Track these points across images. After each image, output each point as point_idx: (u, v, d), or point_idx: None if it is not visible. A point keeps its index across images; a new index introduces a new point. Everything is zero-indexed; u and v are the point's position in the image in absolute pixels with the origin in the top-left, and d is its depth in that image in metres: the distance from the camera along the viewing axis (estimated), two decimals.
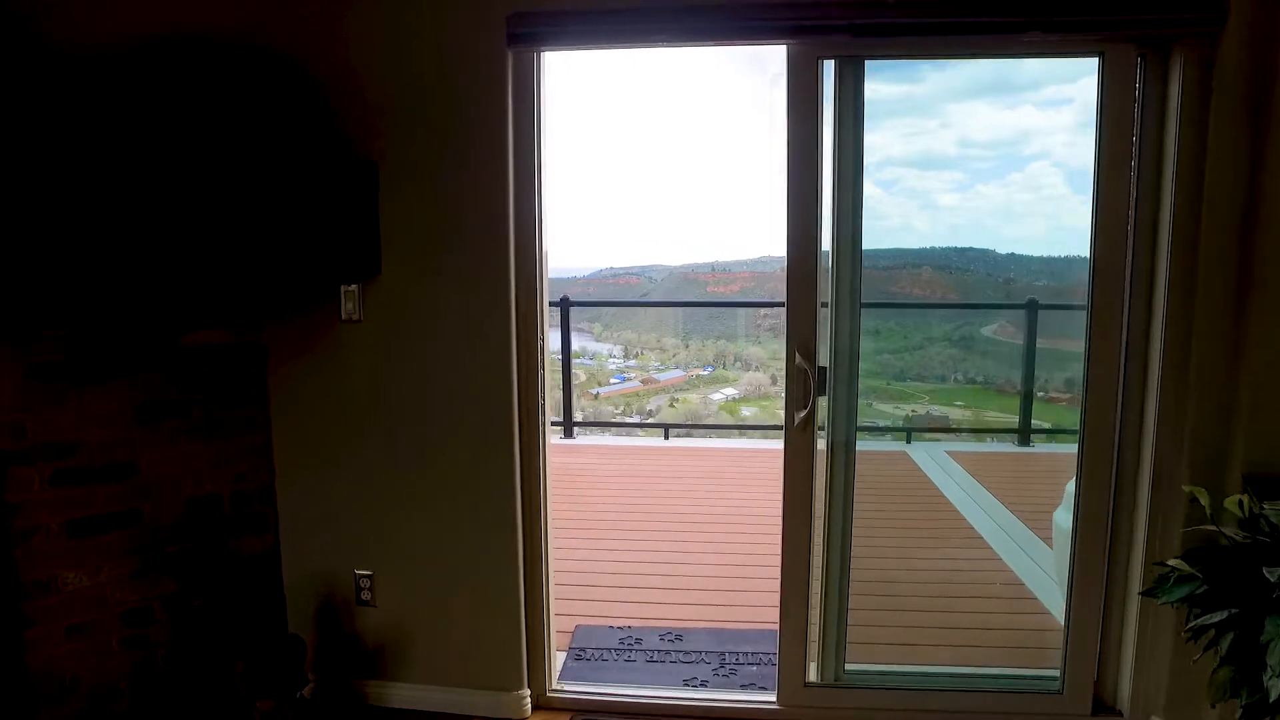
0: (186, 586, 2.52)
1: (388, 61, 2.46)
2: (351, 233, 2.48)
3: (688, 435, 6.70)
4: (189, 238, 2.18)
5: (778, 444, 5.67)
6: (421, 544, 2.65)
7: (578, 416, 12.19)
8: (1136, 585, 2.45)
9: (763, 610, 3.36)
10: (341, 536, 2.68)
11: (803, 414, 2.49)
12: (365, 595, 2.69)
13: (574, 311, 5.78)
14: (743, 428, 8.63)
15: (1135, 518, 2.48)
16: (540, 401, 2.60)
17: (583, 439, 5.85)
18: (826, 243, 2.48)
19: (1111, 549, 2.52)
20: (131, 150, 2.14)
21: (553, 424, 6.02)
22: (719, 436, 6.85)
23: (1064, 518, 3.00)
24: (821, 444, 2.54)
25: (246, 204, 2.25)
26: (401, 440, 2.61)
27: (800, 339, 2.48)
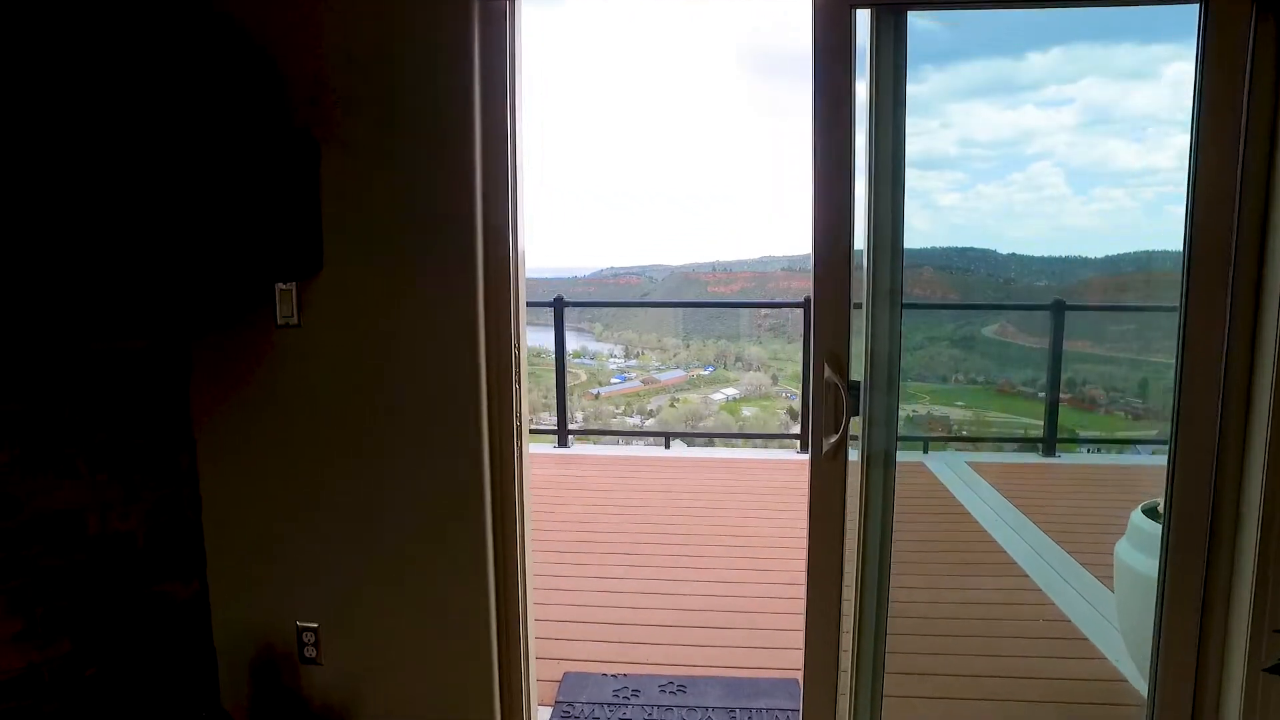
0: (87, 647, 2.02)
1: (330, 20, 1.97)
2: (287, 220, 1.98)
3: (689, 443, 6.21)
4: (69, 223, 1.69)
5: (784, 454, 5.11)
6: (376, 588, 2.15)
7: (578, 419, 11.86)
8: (1241, 654, 1.94)
9: (780, 654, 2.86)
10: (282, 581, 2.18)
11: (833, 439, 1.98)
12: (309, 652, 2.19)
13: (575, 311, 5.34)
14: (748, 436, 8.16)
15: (1238, 568, 1.97)
16: (516, 419, 2.10)
17: (579, 448, 5.32)
18: (860, 237, 1.99)
19: (1206, 604, 2.01)
20: None
21: (546, 433, 5.57)
22: (723, 445, 6.37)
23: (1131, 555, 2.50)
24: (854, 455, 2.04)
25: (148, 176, 1.75)
26: (350, 466, 2.11)
27: (829, 349, 1.97)
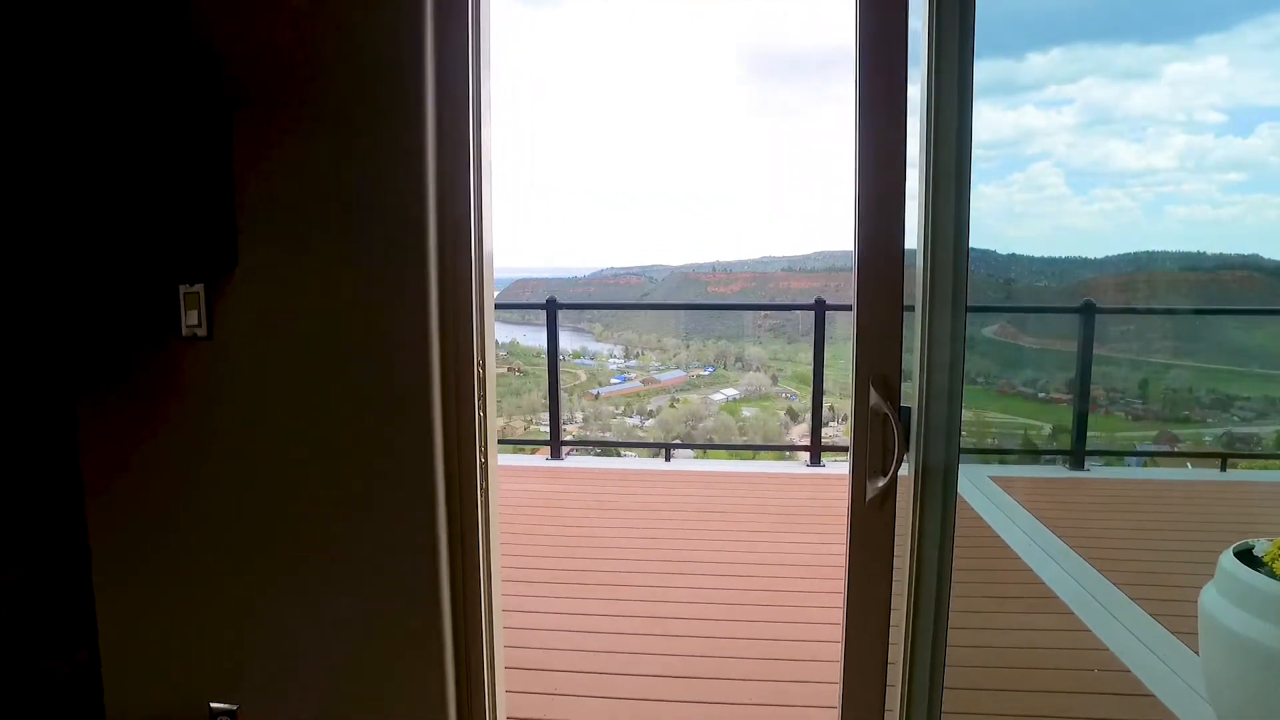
0: None
1: None
2: (193, 202, 1.51)
3: (686, 451, 5.74)
4: None
5: (792, 468, 4.58)
6: (305, 658, 1.68)
7: (578, 419, 11.44)
8: None
9: (801, 714, 2.39)
10: (191, 652, 1.71)
11: (881, 483, 1.51)
12: None
13: (575, 312, 4.91)
14: (753, 448, 7.71)
15: None
16: (481, 454, 1.63)
17: (573, 461, 4.82)
18: (911, 235, 1.53)
19: None
20: None
21: (538, 444, 5.10)
22: (725, 457, 5.92)
23: (1223, 608, 2.03)
24: (904, 469, 1.57)
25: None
26: (274, 508, 1.64)
27: (877, 370, 1.50)
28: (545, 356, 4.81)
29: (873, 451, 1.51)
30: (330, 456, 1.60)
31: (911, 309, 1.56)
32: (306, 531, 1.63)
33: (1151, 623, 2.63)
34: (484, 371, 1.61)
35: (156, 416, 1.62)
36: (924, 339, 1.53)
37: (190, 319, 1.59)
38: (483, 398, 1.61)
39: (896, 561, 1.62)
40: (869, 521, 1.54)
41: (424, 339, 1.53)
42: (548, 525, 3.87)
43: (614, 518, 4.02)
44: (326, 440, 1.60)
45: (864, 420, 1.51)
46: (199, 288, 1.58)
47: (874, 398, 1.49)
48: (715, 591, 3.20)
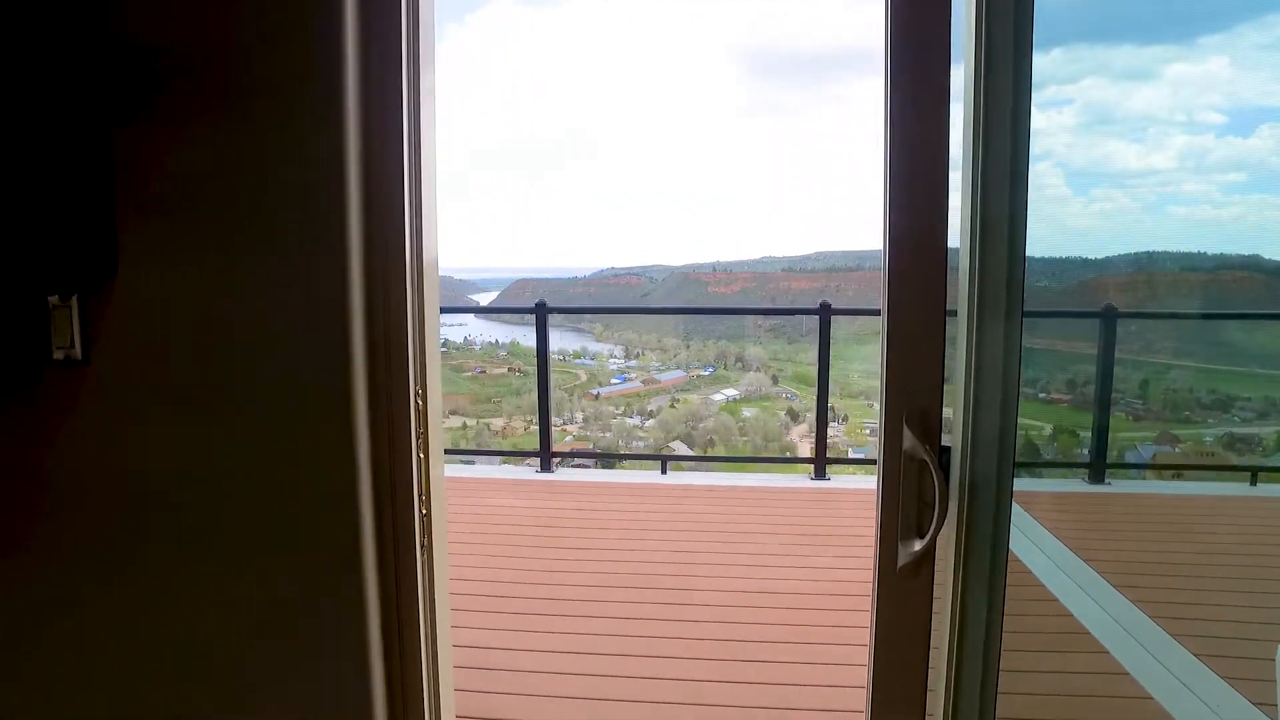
0: None
1: None
2: (59, 196, 1.19)
3: (682, 455, 5.39)
4: None
5: (794, 480, 4.19)
6: None
7: (578, 419, 11.15)
8: None
9: None
10: None
11: (919, 547, 1.17)
12: None
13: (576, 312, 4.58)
14: (755, 460, 7.39)
15: None
16: (423, 506, 1.30)
17: (564, 474, 4.45)
18: (953, 238, 1.19)
19: None
20: None
21: (529, 456, 4.73)
22: (725, 469, 5.58)
23: None
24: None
25: None
26: (157, 579, 1.31)
27: (914, 400, 1.16)
28: (550, 356, 4.47)
29: (905, 504, 1.18)
30: (231, 506, 1.27)
31: (951, 315, 1.23)
32: (189, 610, 1.30)
33: (1183, 653, 2.29)
34: (424, 404, 1.28)
35: (20, 459, 1.29)
36: (969, 359, 1.20)
37: (61, 337, 1.25)
38: (423, 436, 1.28)
39: (934, 629, 1.28)
40: (900, 589, 1.21)
41: (343, 368, 1.20)
42: (531, 549, 3.50)
43: (608, 538, 3.66)
44: (225, 499, 1.27)
45: (895, 466, 1.18)
46: (70, 301, 1.25)
47: (908, 438, 1.16)
48: (715, 626, 2.86)
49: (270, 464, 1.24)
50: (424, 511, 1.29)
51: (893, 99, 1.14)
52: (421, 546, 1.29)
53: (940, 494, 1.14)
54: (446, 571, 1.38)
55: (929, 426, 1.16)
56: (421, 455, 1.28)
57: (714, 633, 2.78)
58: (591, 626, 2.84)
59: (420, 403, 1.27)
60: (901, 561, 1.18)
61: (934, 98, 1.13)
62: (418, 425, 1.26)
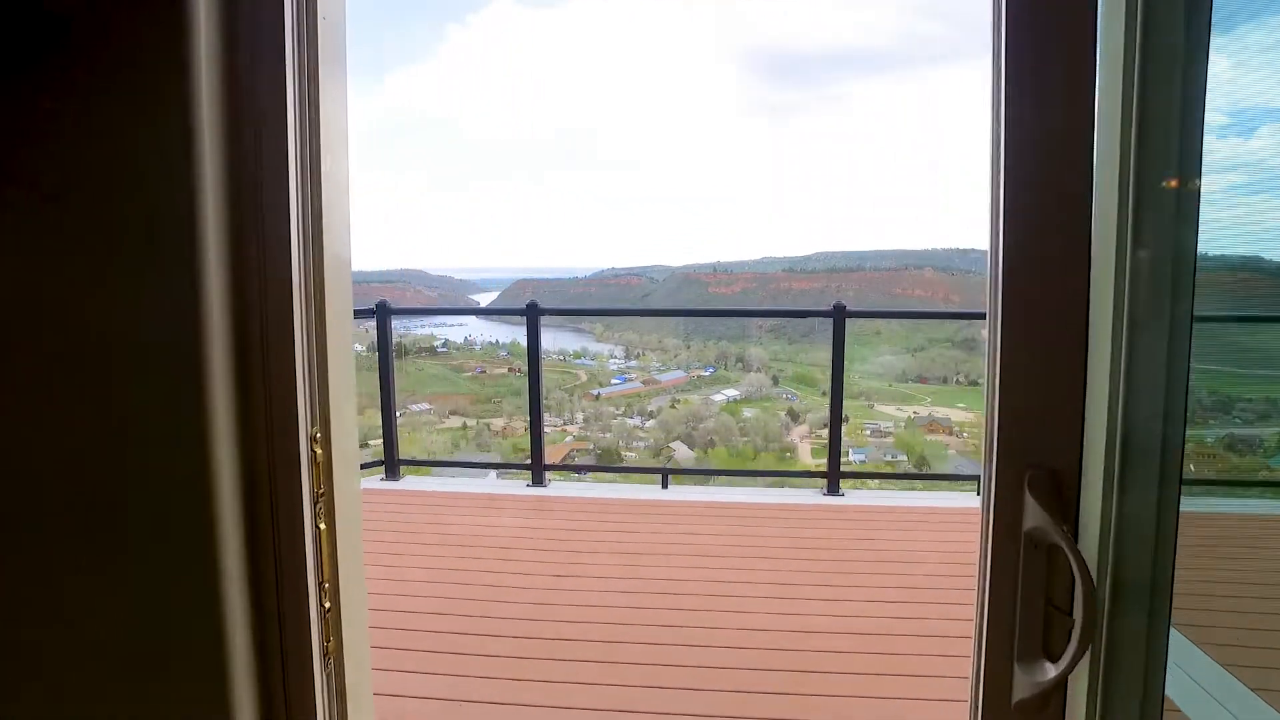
0: None
1: None
2: None
3: (688, 458, 4.99)
4: None
5: (804, 496, 3.75)
6: None
7: (578, 419, 10.80)
8: None
9: None
10: None
11: (1053, 673, 0.75)
12: None
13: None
14: (761, 474, 7.02)
15: None
16: (320, 597, 0.89)
17: (556, 488, 4.01)
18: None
19: None
20: None
21: (520, 468, 4.29)
22: (727, 483, 5.19)
23: None
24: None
25: None
26: None
27: (1038, 456, 0.76)
28: (542, 360, 4.08)
29: (1028, 612, 0.77)
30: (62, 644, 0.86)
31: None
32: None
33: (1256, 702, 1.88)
34: (325, 451, 0.87)
35: None
36: (1115, 391, 0.79)
37: None
38: (325, 498, 0.87)
39: None
40: None
41: (195, 414, 0.79)
42: (516, 576, 3.06)
43: (603, 563, 3.22)
44: (41, 597, 0.86)
45: (1011, 552, 0.77)
46: None
47: (1033, 513, 0.75)
48: (721, 650, 2.46)
49: (102, 564, 0.84)
50: (327, 606, 0.88)
51: (1012, 73, 0.73)
52: (324, 654, 0.88)
53: (1085, 597, 0.73)
54: (368, 679, 0.97)
55: (1064, 497, 0.75)
56: (323, 525, 0.87)
57: (722, 680, 2.37)
58: (582, 675, 2.43)
59: (318, 450, 0.86)
60: (1020, 695, 0.77)
61: (1079, 59, 0.72)
62: (314, 484, 0.86)
